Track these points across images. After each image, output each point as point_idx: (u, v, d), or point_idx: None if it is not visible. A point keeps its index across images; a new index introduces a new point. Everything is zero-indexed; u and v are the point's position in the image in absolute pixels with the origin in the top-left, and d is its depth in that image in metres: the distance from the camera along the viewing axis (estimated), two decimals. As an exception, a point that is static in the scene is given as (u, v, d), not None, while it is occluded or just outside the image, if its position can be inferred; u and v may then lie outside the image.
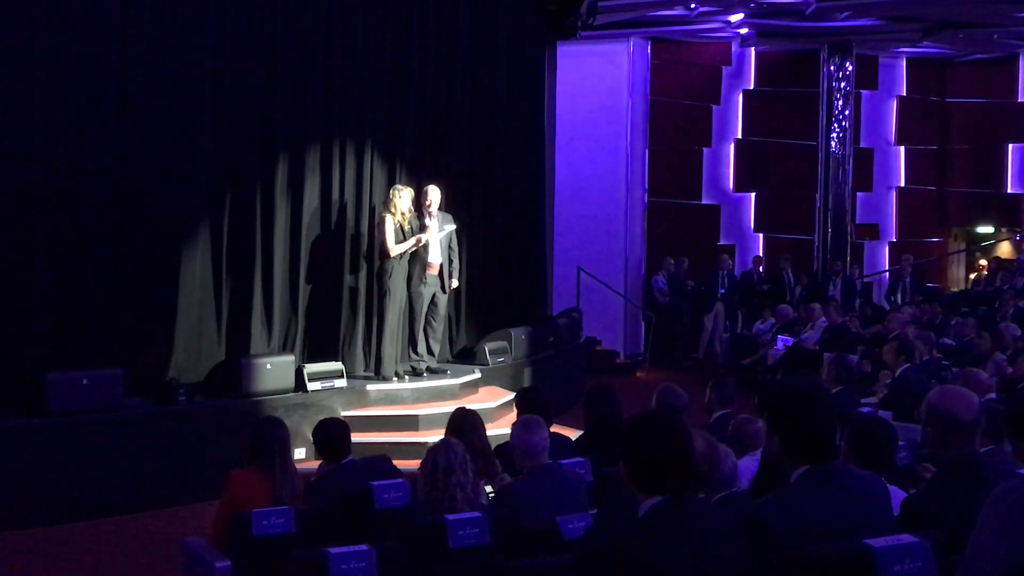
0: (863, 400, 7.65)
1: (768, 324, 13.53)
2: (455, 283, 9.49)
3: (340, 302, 9.16)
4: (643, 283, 15.37)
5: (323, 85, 9.05)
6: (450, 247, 9.34)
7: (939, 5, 14.05)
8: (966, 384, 5.76)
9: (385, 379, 8.88)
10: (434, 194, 9.13)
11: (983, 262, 16.77)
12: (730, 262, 15.16)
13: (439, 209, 9.17)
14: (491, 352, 10.08)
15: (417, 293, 9.08)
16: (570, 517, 3.94)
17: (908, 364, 7.95)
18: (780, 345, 12.36)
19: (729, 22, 15.00)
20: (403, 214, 8.84)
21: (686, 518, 2.67)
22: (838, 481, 2.95)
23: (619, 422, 5.63)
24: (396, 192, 8.91)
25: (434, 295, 9.21)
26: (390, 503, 4.47)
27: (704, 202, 16.36)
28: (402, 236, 8.82)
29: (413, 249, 8.89)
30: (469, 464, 4.15)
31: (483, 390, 9.45)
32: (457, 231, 9.48)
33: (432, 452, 4.17)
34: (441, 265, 9.22)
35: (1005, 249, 17.44)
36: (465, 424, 5.13)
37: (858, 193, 16.59)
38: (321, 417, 6.02)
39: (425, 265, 9.05)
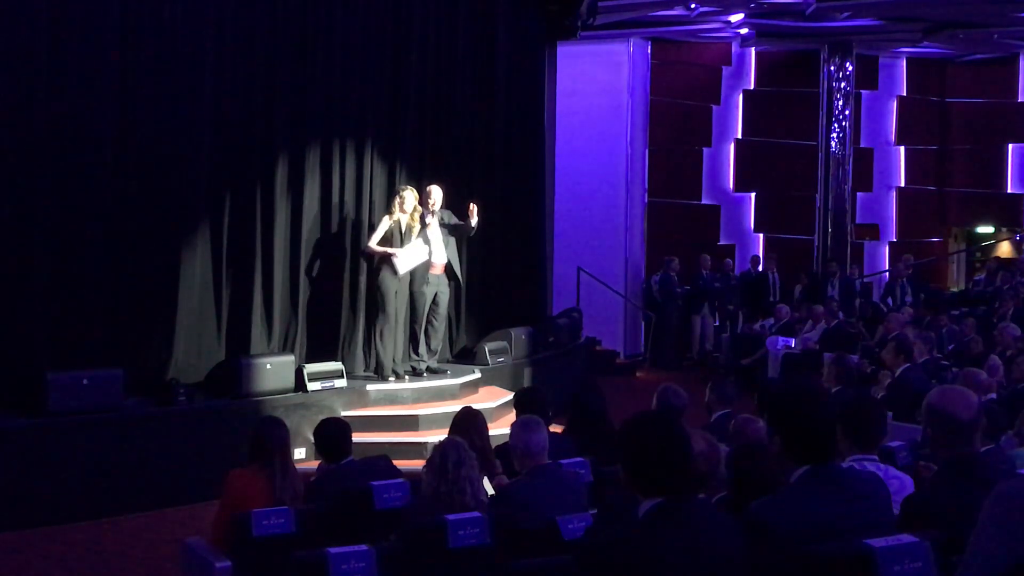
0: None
1: (767, 324, 13.53)
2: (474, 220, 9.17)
3: (340, 302, 9.16)
4: (643, 283, 15.38)
5: (323, 85, 9.05)
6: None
7: (939, 5, 14.06)
8: (966, 384, 5.76)
9: (384, 379, 8.87)
10: (436, 194, 9.14)
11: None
12: (709, 259, 15.12)
13: (441, 207, 9.20)
14: (491, 352, 10.08)
15: (419, 293, 9.07)
16: (570, 517, 3.94)
17: (908, 364, 7.95)
18: (780, 344, 12.34)
19: (729, 22, 15.01)
20: (410, 215, 8.85)
21: (685, 519, 2.67)
22: (838, 481, 2.96)
23: (601, 417, 5.67)
24: (402, 193, 8.91)
25: (436, 295, 9.21)
26: (390, 503, 4.47)
27: (704, 202, 16.37)
28: (397, 236, 8.81)
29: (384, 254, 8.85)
30: (475, 461, 4.17)
31: (483, 390, 9.45)
32: (456, 228, 9.46)
33: (439, 448, 4.22)
34: (446, 264, 9.23)
35: (1005, 249, 17.44)
36: (469, 423, 5.14)
37: (858, 193, 16.60)
38: (321, 417, 6.03)
39: (428, 265, 9.04)
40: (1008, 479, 2.55)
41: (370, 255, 8.93)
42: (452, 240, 9.37)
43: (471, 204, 9.22)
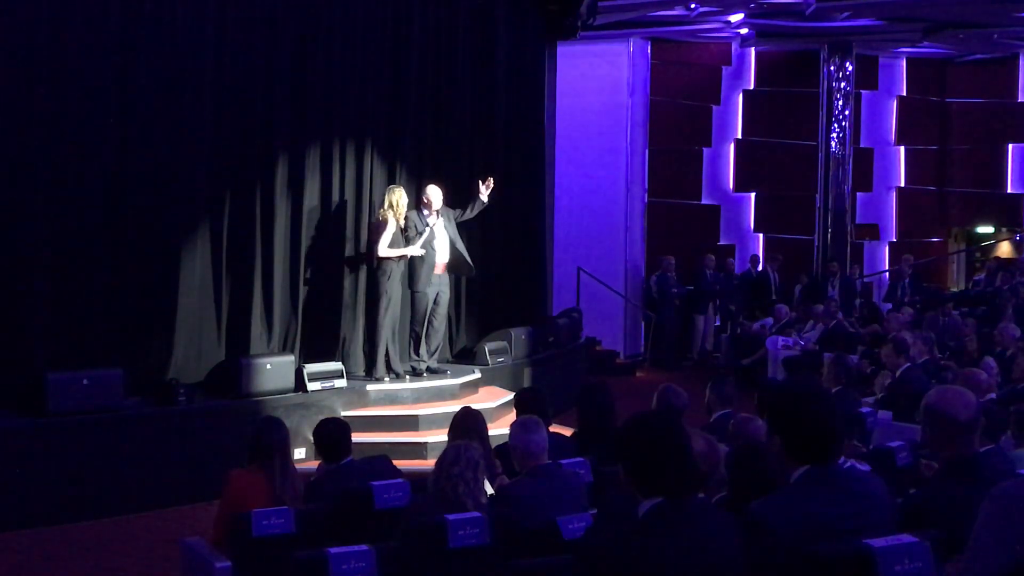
0: (863, 400, 7.65)
1: (767, 324, 13.54)
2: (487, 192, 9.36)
3: (340, 302, 9.16)
4: (643, 283, 15.39)
5: (323, 85, 9.05)
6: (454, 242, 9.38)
7: (939, 5, 14.05)
8: (966, 384, 5.76)
9: (378, 380, 8.86)
10: (436, 194, 9.14)
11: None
12: (713, 259, 15.14)
13: (443, 207, 9.22)
14: (491, 352, 10.08)
15: (421, 294, 9.07)
16: (570, 517, 3.94)
17: (908, 364, 7.95)
18: (780, 344, 12.36)
19: (729, 22, 15.01)
20: (407, 213, 8.86)
21: (685, 519, 2.67)
22: (838, 481, 2.96)
23: (612, 418, 5.67)
24: (397, 192, 8.91)
25: (436, 295, 9.22)
26: (390, 503, 4.47)
27: (704, 202, 16.37)
28: (400, 237, 8.82)
29: (400, 256, 8.86)
30: (481, 468, 4.17)
31: (483, 390, 9.45)
32: (457, 225, 9.46)
33: (449, 445, 4.28)
34: (447, 263, 9.24)
35: (1005, 249, 17.44)
36: (469, 424, 5.15)
37: (858, 193, 16.60)
38: (321, 417, 6.03)
39: (432, 265, 9.05)
40: (1005, 480, 2.54)
41: (385, 260, 8.85)
42: (458, 236, 9.37)
43: (487, 177, 9.34)
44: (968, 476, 3.25)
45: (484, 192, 9.31)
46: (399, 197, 8.85)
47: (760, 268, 15.59)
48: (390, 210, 8.80)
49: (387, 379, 8.89)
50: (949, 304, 12.37)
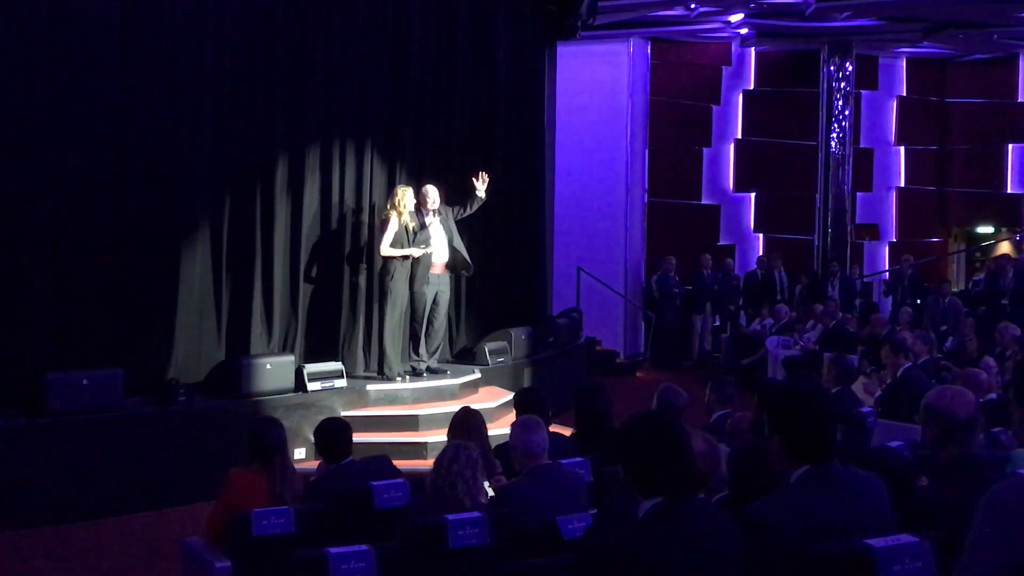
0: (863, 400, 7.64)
1: (767, 324, 13.54)
2: None
3: (340, 302, 9.16)
4: (643, 283, 15.39)
5: (323, 85, 9.05)
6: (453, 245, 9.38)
7: (939, 5, 14.06)
8: (966, 384, 5.76)
9: (389, 379, 8.87)
10: (433, 194, 9.15)
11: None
12: (710, 259, 15.13)
13: (441, 206, 9.22)
14: (491, 352, 10.07)
15: (420, 294, 9.07)
16: (570, 517, 3.94)
17: (908, 364, 7.95)
18: (780, 344, 12.35)
19: (729, 22, 15.01)
20: (410, 213, 8.87)
21: (685, 519, 2.67)
22: (838, 481, 2.96)
23: (609, 418, 5.68)
24: (401, 192, 8.92)
25: (436, 295, 9.22)
26: (390, 503, 4.47)
27: (704, 202, 16.37)
28: (404, 236, 8.83)
29: (407, 256, 8.88)
30: (479, 467, 4.18)
31: (483, 390, 9.45)
32: (457, 225, 9.48)
33: (448, 444, 4.31)
34: (446, 263, 9.24)
35: (1005, 249, 17.44)
36: (468, 424, 5.15)
37: (858, 193, 16.61)
38: (321, 417, 6.03)
39: (428, 265, 9.05)
40: (1002, 480, 2.54)
41: (387, 259, 8.88)
42: (456, 234, 9.37)
43: (479, 172, 9.36)
44: (968, 476, 3.25)
45: (480, 188, 9.33)
46: (404, 197, 8.86)
47: (765, 271, 15.49)
48: (394, 210, 8.81)
49: (398, 379, 8.88)
50: (947, 285, 12.43)
